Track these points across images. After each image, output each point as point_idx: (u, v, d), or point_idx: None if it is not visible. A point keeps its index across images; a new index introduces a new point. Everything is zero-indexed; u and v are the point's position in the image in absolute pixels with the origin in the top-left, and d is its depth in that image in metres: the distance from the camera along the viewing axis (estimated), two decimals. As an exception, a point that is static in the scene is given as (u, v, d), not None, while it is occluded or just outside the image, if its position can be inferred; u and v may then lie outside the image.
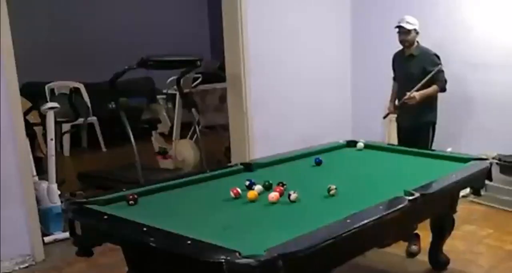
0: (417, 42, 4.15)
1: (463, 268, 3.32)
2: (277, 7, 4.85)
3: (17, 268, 3.54)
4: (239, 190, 2.47)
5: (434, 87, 4.06)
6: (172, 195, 2.60)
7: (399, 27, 4.09)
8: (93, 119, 6.88)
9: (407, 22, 4.07)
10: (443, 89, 4.11)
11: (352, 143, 3.63)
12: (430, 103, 4.11)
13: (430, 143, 4.15)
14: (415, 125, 4.15)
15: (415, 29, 4.08)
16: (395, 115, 4.43)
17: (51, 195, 4.04)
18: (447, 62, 4.26)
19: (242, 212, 2.35)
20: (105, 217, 2.17)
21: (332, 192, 2.45)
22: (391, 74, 4.43)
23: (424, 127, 4.15)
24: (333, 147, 3.58)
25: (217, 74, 6.70)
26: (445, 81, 4.09)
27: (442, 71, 4.07)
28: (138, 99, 7.42)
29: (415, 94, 4.00)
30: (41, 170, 4.38)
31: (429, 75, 3.98)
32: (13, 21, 3.50)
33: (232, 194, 2.46)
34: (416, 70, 4.09)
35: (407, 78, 4.16)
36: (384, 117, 4.52)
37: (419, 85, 4.00)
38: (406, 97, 4.04)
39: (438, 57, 4.10)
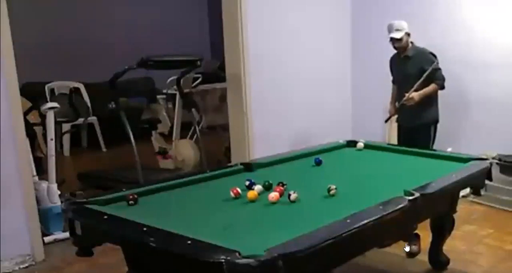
0: (411, 43, 4.15)
1: (463, 268, 3.32)
2: (277, 7, 4.85)
3: (17, 268, 3.54)
4: (239, 190, 2.47)
5: (433, 86, 4.07)
6: (172, 195, 2.60)
7: (391, 38, 4.10)
8: (93, 119, 6.88)
9: (396, 30, 4.07)
10: (442, 87, 4.11)
11: (352, 143, 3.63)
12: (429, 102, 4.12)
13: (432, 142, 4.14)
14: (416, 125, 4.16)
15: (406, 33, 4.09)
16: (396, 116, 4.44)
17: (51, 195, 4.04)
18: (447, 62, 4.26)
19: (242, 212, 2.35)
20: (105, 217, 2.17)
21: (332, 192, 2.45)
22: (391, 76, 4.43)
23: (425, 126, 4.15)
24: (333, 147, 3.59)
25: (217, 74, 6.70)
26: (443, 79, 4.09)
27: (439, 68, 4.08)
28: (138, 99, 7.43)
29: (413, 95, 4.02)
30: (41, 170, 4.38)
31: (425, 74, 3.98)
32: (13, 21, 3.50)
33: (232, 194, 2.46)
34: (414, 71, 4.10)
35: (405, 79, 4.17)
36: (386, 121, 4.52)
37: (416, 85, 4.00)
38: (404, 98, 4.05)
39: (434, 55, 4.10)
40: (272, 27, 4.81)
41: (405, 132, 4.28)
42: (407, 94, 4.03)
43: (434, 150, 3.72)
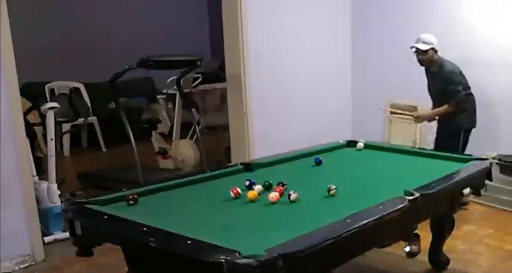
0: (438, 57, 4.15)
1: (463, 268, 3.32)
2: (277, 7, 4.85)
3: (17, 268, 3.54)
4: (239, 190, 2.47)
5: (444, 107, 4.11)
6: (172, 195, 2.60)
7: (414, 47, 4.12)
8: (93, 119, 6.88)
9: (423, 42, 4.08)
10: (456, 109, 4.12)
11: (352, 143, 3.63)
12: (463, 109, 4.14)
13: (462, 148, 4.15)
14: (446, 130, 4.22)
15: (432, 48, 4.09)
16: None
17: (51, 195, 4.04)
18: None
19: (242, 212, 2.34)
20: (105, 217, 2.17)
21: (332, 192, 2.45)
22: (391, 74, 4.45)
23: (454, 132, 4.16)
24: (333, 147, 3.58)
25: (217, 74, 6.70)
26: (459, 101, 4.09)
27: (458, 91, 4.08)
28: (138, 99, 7.43)
29: (420, 114, 4.11)
30: (41, 170, 4.38)
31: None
32: (13, 21, 3.50)
33: (232, 194, 2.46)
34: (437, 88, 4.19)
35: (431, 93, 4.28)
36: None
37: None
38: (412, 115, 4.30)
39: (458, 73, 4.10)
40: (272, 27, 4.81)
41: (438, 137, 4.32)
42: (412, 113, 4.24)
43: (436, 151, 3.70)
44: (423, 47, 4.07)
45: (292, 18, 4.97)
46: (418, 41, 4.10)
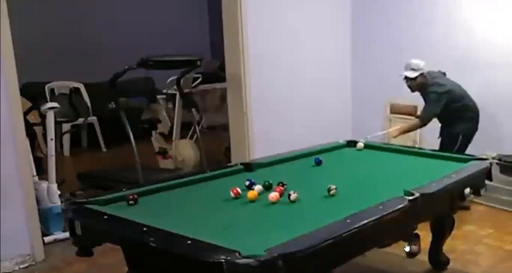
0: (426, 80, 4.17)
1: (463, 268, 3.32)
2: (277, 7, 4.85)
3: (17, 268, 3.54)
4: (239, 190, 2.47)
5: (412, 121, 4.20)
6: (172, 195, 2.60)
7: (402, 75, 4.18)
8: (93, 119, 6.88)
9: (412, 69, 4.13)
10: (422, 123, 4.23)
11: (352, 143, 3.63)
12: (458, 116, 4.19)
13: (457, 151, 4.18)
14: (442, 134, 4.29)
15: (421, 74, 4.13)
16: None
17: (51, 195, 4.04)
18: (447, 62, 4.25)
19: (242, 212, 2.35)
20: (105, 217, 2.17)
21: (332, 192, 2.45)
22: (391, 74, 4.45)
23: (449, 138, 4.21)
24: (333, 147, 3.58)
25: (217, 74, 6.70)
26: (427, 115, 4.18)
27: (429, 105, 4.16)
28: (138, 99, 7.43)
29: (391, 130, 4.36)
30: (41, 170, 4.38)
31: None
32: (13, 21, 3.50)
33: (232, 194, 2.46)
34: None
35: None
36: None
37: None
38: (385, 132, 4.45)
39: (436, 92, 4.12)
40: (272, 27, 4.81)
41: (440, 141, 4.35)
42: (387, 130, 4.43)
43: (436, 150, 3.71)
44: (412, 74, 4.13)
45: (292, 18, 4.97)
46: (406, 67, 4.16)
